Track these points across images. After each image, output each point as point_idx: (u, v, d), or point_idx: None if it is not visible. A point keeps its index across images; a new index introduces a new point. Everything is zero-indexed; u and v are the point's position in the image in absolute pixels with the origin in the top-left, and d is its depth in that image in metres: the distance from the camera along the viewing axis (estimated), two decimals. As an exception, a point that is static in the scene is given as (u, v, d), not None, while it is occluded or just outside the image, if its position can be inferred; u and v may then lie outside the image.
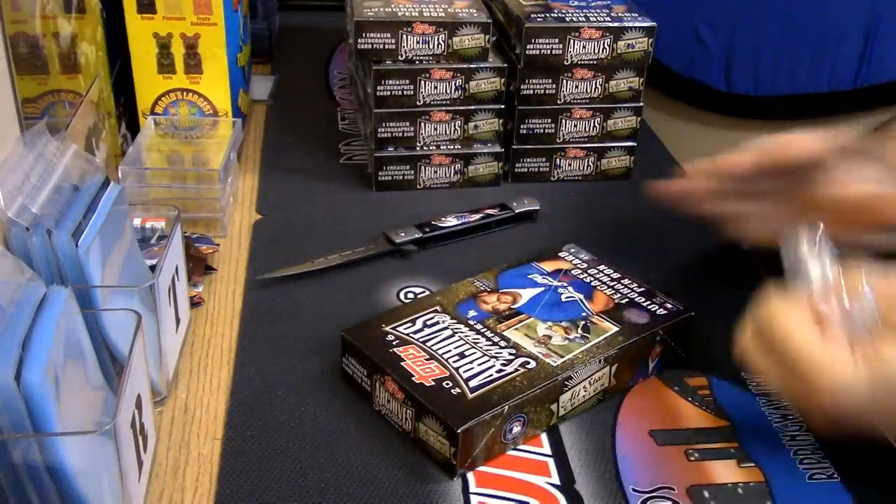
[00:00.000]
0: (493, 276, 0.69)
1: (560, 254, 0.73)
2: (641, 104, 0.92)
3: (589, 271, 0.70)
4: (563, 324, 0.64)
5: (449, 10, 0.87)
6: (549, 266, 0.71)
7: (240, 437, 0.58)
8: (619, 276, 0.70)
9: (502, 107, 0.89)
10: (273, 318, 0.70)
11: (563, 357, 0.60)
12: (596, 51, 0.87)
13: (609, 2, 0.92)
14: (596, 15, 0.88)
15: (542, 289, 0.68)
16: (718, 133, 1.53)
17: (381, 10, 0.86)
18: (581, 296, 0.67)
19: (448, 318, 0.64)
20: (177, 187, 0.81)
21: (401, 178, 0.90)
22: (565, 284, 0.69)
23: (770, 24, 1.40)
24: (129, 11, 0.83)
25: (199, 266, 0.74)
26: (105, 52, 0.82)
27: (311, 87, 1.15)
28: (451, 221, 0.83)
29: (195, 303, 0.71)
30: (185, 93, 0.88)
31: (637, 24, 0.87)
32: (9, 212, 0.51)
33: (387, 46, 0.85)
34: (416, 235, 0.80)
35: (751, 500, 0.56)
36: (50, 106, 0.78)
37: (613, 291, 0.68)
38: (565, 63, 0.87)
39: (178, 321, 0.64)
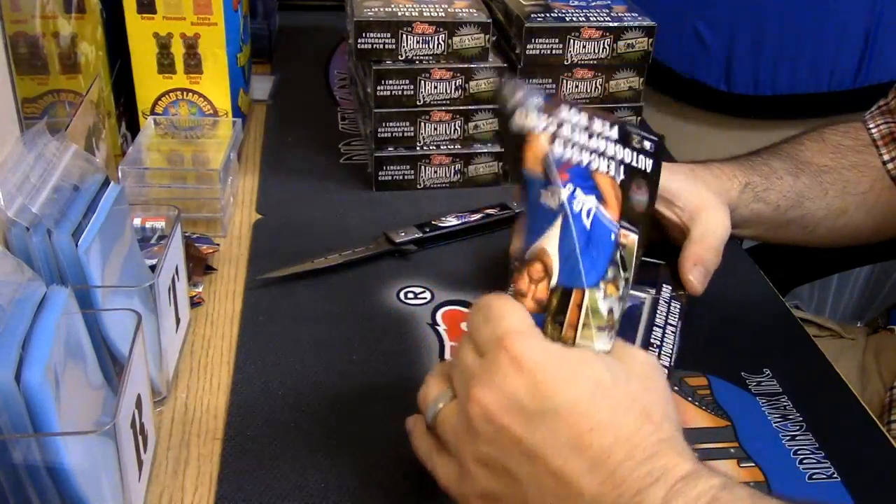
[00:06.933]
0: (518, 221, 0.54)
1: (508, 102, 0.55)
2: (641, 104, 0.92)
3: (564, 134, 0.54)
4: (609, 274, 0.51)
5: (449, 10, 0.87)
6: (531, 158, 0.54)
7: (240, 437, 0.58)
8: (586, 123, 0.55)
9: (502, 107, 0.89)
10: (273, 318, 0.70)
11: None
12: (596, 51, 0.87)
13: (609, 2, 0.92)
14: (596, 15, 0.88)
15: (559, 219, 0.51)
16: (718, 133, 1.53)
17: (381, 10, 0.86)
18: (594, 201, 0.52)
19: None
20: (177, 187, 0.81)
21: (401, 178, 0.90)
22: (569, 185, 0.52)
23: (770, 24, 1.40)
24: (129, 11, 0.83)
25: (199, 266, 0.74)
26: (105, 52, 0.82)
27: (311, 87, 1.15)
28: (451, 221, 0.82)
29: (195, 303, 0.71)
30: (185, 93, 0.88)
31: (637, 24, 0.87)
32: (9, 212, 0.51)
33: (387, 46, 0.85)
34: (416, 235, 0.80)
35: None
36: (50, 106, 0.78)
37: (606, 163, 0.54)
38: (565, 63, 0.87)
39: (178, 321, 0.64)
